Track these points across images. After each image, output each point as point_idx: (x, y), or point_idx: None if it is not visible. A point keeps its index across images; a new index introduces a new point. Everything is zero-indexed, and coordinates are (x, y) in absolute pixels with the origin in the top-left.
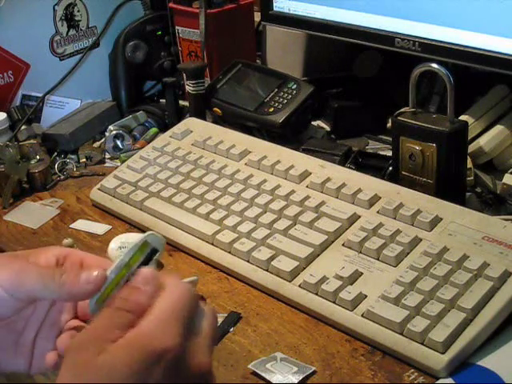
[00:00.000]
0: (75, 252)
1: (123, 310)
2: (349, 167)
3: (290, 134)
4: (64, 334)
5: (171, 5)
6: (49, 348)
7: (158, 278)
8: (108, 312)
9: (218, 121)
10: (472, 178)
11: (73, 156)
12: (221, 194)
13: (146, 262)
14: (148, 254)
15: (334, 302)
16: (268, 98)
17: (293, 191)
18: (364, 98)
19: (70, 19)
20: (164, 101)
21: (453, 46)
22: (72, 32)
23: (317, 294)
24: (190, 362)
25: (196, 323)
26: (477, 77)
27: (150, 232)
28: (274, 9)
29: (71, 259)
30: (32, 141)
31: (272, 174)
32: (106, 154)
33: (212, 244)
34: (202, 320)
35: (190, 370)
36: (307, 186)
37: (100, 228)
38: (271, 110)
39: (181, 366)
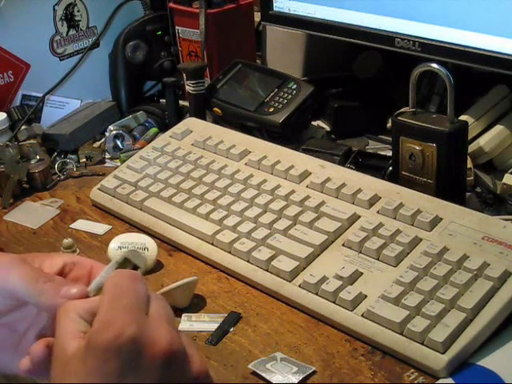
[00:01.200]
0: (86, 261)
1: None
2: (349, 167)
3: (290, 134)
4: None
5: (171, 5)
6: None
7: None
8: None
9: (218, 121)
10: (472, 178)
11: (73, 156)
12: (221, 193)
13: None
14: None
15: (333, 302)
16: (268, 98)
17: (293, 191)
18: (364, 98)
19: (70, 19)
20: (164, 101)
21: (453, 46)
22: (72, 32)
23: (317, 294)
24: (148, 344)
25: (143, 306)
26: (477, 77)
27: (132, 249)
28: (274, 9)
29: (79, 267)
30: (32, 141)
31: (272, 174)
32: (106, 153)
33: (212, 244)
34: (149, 303)
35: (150, 350)
36: (307, 186)
37: (100, 228)
38: (271, 109)
39: (140, 348)
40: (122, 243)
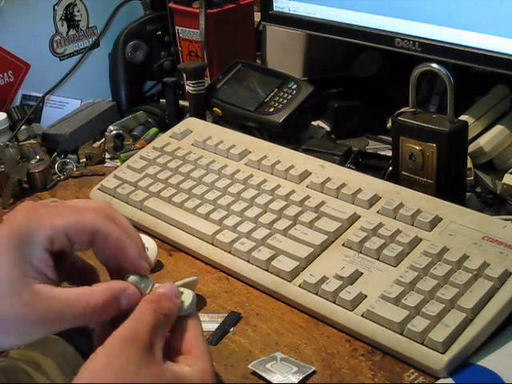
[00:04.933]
0: (111, 240)
1: (161, 313)
2: (349, 167)
3: (290, 134)
4: None
5: (171, 5)
6: None
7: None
8: (148, 313)
9: (218, 121)
10: (472, 178)
11: (73, 156)
12: (221, 193)
13: None
14: None
15: (334, 302)
16: (268, 98)
17: (293, 191)
18: (364, 98)
19: (70, 19)
20: (164, 101)
21: (453, 46)
22: (72, 32)
23: (317, 294)
24: None
25: None
26: (477, 77)
27: (192, 293)
28: (274, 9)
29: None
30: (32, 141)
31: (272, 174)
32: (106, 154)
33: (212, 244)
34: None
35: None
36: (307, 186)
37: None
38: (271, 109)
39: None
40: None
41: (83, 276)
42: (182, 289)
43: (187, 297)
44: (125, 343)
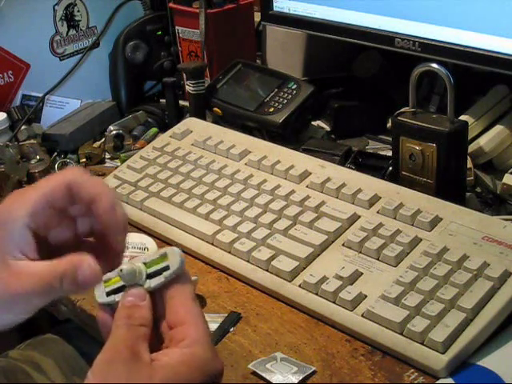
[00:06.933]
0: (89, 188)
1: (135, 325)
2: (349, 167)
3: (290, 134)
4: None
5: (171, 5)
6: None
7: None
8: (122, 329)
9: (217, 121)
10: (472, 178)
11: (73, 156)
12: (221, 194)
13: (155, 274)
14: (161, 268)
15: (334, 302)
16: (268, 98)
17: (293, 191)
18: (364, 98)
19: (70, 19)
20: (164, 101)
21: (453, 46)
22: (72, 32)
23: (317, 294)
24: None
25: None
26: (477, 77)
27: (178, 251)
28: (274, 9)
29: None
30: (32, 141)
31: (272, 174)
32: (106, 154)
33: (212, 244)
34: None
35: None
36: (307, 186)
37: None
38: (271, 109)
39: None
40: None
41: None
42: (166, 250)
43: (173, 259)
44: (109, 363)
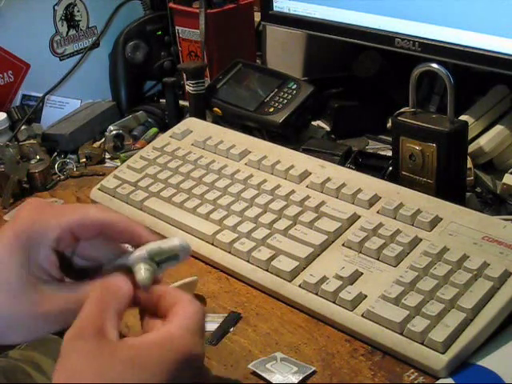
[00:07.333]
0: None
1: (104, 301)
2: (349, 167)
3: (290, 134)
4: None
5: (171, 5)
6: None
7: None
8: (90, 304)
9: (218, 121)
10: (472, 178)
11: (73, 156)
12: (221, 194)
13: (163, 261)
14: (169, 257)
15: (334, 302)
16: (268, 98)
17: (293, 191)
18: (364, 98)
19: (70, 19)
20: (164, 101)
21: (453, 46)
22: (72, 32)
23: (317, 294)
24: (204, 370)
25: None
26: (477, 77)
27: (186, 243)
28: (274, 9)
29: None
30: (32, 141)
31: (272, 174)
32: (106, 154)
33: (212, 244)
34: None
35: (205, 376)
36: (307, 186)
37: None
38: (271, 109)
39: (202, 372)
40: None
41: (81, 271)
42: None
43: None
44: (72, 339)
